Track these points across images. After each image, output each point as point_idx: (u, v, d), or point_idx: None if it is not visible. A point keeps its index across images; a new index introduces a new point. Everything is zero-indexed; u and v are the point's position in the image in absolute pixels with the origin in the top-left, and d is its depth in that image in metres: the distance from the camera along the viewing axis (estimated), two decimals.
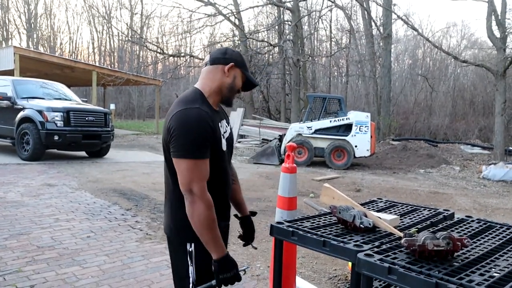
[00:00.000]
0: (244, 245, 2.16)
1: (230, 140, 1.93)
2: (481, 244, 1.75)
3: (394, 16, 18.50)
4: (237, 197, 2.11)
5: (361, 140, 11.44)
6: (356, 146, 11.44)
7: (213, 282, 1.73)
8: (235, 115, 18.30)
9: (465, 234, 1.91)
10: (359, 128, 11.47)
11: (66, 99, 10.84)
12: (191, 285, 1.79)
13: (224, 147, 1.83)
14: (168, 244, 1.95)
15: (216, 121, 1.78)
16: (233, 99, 1.89)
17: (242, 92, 2.10)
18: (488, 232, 1.95)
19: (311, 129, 11.84)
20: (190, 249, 1.79)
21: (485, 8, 13.57)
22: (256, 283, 3.38)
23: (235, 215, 2.04)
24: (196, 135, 1.65)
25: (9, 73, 14.72)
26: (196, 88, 1.82)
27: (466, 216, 2.24)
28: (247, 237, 2.14)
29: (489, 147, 15.67)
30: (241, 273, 1.81)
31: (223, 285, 1.74)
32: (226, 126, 1.91)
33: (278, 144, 12.31)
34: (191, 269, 1.80)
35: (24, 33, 39.19)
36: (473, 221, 2.15)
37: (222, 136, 1.81)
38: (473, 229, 1.99)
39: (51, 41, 40.52)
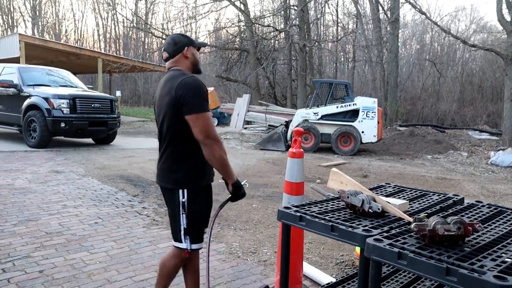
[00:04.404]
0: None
1: None
2: (492, 229, 1.73)
3: (401, 0, 18.23)
4: None
5: (368, 126, 11.37)
6: (363, 132, 11.38)
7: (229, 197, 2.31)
8: (241, 101, 18.22)
9: (475, 219, 1.88)
10: (366, 114, 11.38)
11: (72, 86, 10.83)
12: (182, 230, 2.20)
13: None
14: (165, 193, 2.29)
15: None
16: (200, 66, 2.36)
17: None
18: (499, 217, 1.93)
19: (317, 114, 11.77)
20: (183, 200, 2.17)
21: None
22: (263, 269, 3.38)
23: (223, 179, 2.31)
24: (204, 94, 2.11)
25: (15, 60, 14.74)
26: (179, 68, 2.22)
27: (476, 201, 2.21)
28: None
29: (497, 133, 15.51)
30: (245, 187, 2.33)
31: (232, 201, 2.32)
32: None
33: (284, 130, 12.26)
34: (183, 215, 2.18)
35: (29, 21, 39.23)
36: (483, 206, 2.12)
37: None
38: (483, 214, 1.96)
39: (56, 28, 40.49)
